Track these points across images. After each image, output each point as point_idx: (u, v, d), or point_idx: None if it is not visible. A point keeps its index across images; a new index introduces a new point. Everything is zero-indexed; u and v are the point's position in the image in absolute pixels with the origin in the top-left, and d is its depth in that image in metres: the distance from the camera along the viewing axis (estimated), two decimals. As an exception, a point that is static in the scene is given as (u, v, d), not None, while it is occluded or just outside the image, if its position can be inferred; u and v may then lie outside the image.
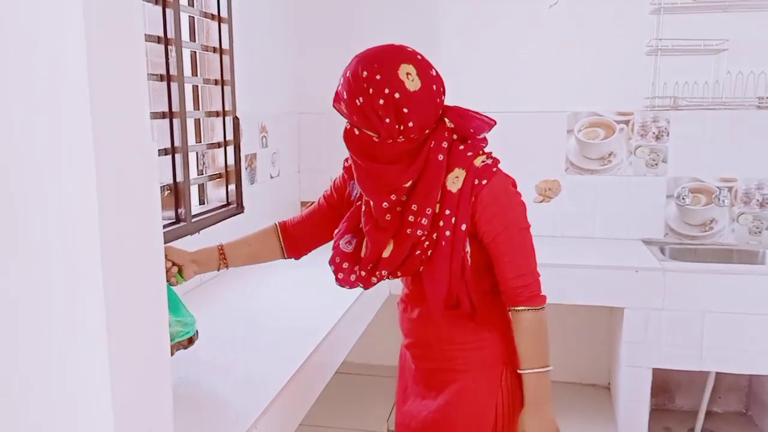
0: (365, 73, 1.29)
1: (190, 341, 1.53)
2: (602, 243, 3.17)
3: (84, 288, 0.86)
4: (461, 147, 1.38)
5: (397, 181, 1.34)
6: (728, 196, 3.09)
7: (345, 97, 1.32)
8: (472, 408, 1.47)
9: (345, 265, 1.45)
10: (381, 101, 1.28)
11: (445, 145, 1.35)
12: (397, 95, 1.28)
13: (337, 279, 1.48)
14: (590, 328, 3.34)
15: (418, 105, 1.30)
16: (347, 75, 1.32)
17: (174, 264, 1.51)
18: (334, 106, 1.37)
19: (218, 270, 1.61)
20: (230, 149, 2.71)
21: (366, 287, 1.47)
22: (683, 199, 3.13)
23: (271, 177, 3.11)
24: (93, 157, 0.83)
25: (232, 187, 2.74)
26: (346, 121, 1.37)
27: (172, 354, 1.43)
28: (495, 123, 1.43)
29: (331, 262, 1.48)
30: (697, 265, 2.80)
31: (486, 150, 1.43)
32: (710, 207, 3.12)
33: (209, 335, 1.74)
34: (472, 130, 1.39)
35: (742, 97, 2.96)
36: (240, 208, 2.76)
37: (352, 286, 1.47)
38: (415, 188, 1.35)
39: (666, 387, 3.24)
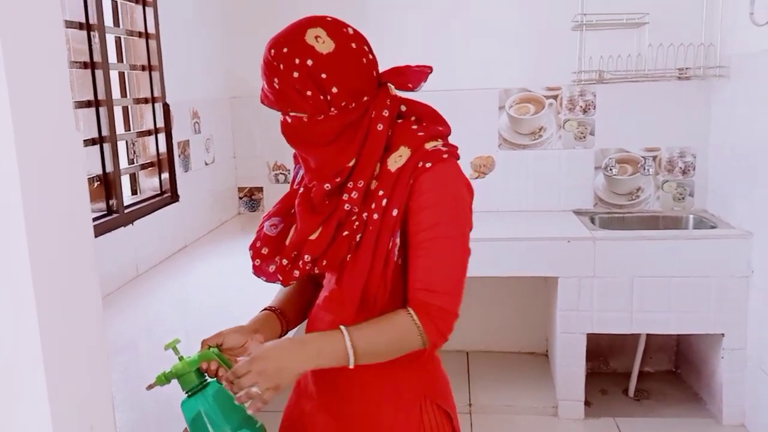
0: (273, 52, 1.15)
1: None
2: (536, 215, 3.26)
3: (14, 287, 0.84)
4: (414, 126, 1.23)
5: (339, 161, 1.18)
6: (653, 165, 3.23)
7: (265, 86, 1.19)
8: None
9: (265, 251, 1.25)
10: (295, 74, 1.13)
11: (386, 113, 1.19)
12: (309, 62, 1.13)
13: (254, 267, 1.27)
14: (527, 298, 3.44)
15: (336, 67, 1.14)
16: (261, 65, 1.18)
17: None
18: (263, 102, 1.22)
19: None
20: (161, 137, 2.66)
21: (285, 283, 1.25)
22: (611, 169, 3.25)
23: (206, 164, 3.06)
24: (15, 152, 0.81)
25: (165, 175, 2.68)
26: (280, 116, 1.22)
27: None
28: (431, 69, 1.23)
29: (251, 246, 1.27)
30: (624, 233, 2.92)
31: (450, 144, 1.24)
32: (636, 176, 3.25)
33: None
34: (410, 85, 1.22)
35: (664, 69, 3.08)
36: (175, 197, 2.71)
37: (269, 278, 1.25)
38: (357, 165, 1.19)
39: (600, 351, 3.38)
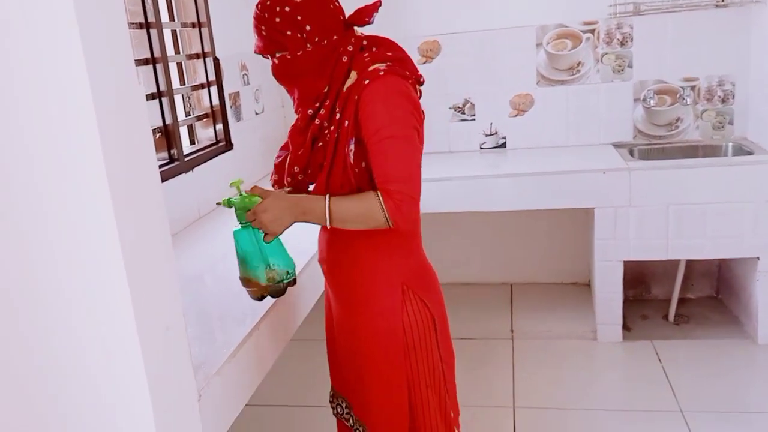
0: (260, 7, 1.47)
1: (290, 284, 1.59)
2: (576, 150, 3.34)
3: (99, 220, 1.05)
4: (365, 54, 1.49)
5: (316, 88, 1.47)
6: (691, 95, 3.25)
7: (256, 38, 1.50)
8: (379, 325, 1.54)
9: (275, 176, 1.60)
10: (277, 19, 1.45)
11: (350, 48, 1.48)
12: (287, 9, 1.44)
13: (274, 184, 1.61)
14: (568, 230, 3.56)
15: (308, 10, 1.45)
16: (252, 20, 1.49)
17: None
18: (256, 52, 1.54)
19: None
20: (214, 90, 2.85)
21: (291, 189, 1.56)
22: (649, 101, 3.29)
23: (256, 114, 3.26)
24: (93, 107, 1.01)
25: (219, 126, 2.90)
26: (269, 60, 1.53)
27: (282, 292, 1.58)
28: (380, 3, 1.52)
29: (271, 178, 1.63)
30: (658, 162, 2.99)
31: (398, 64, 1.48)
32: (675, 107, 3.28)
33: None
34: (366, 19, 1.50)
35: (700, -2, 3.07)
36: (229, 146, 2.92)
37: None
38: (328, 90, 1.48)
39: (642, 279, 3.49)
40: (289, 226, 1.49)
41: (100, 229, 1.05)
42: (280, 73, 1.53)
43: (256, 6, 1.49)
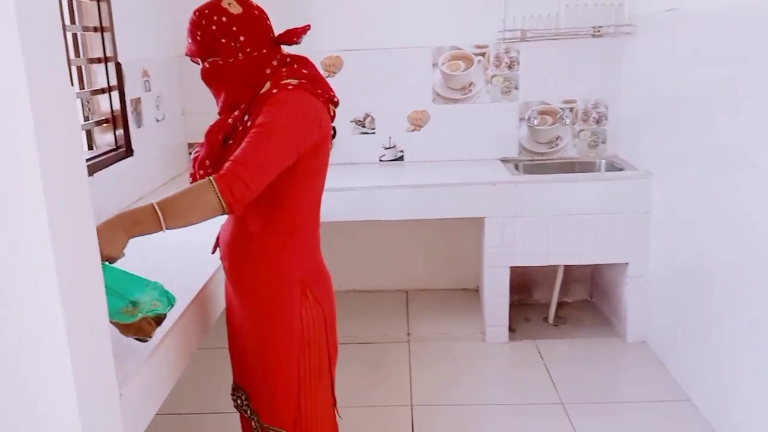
0: (197, 14, 1.57)
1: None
2: (467, 164, 3.57)
3: (32, 222, 1.07)
4: (283, 70, 1.61)
5: (240, 95, 1.58)
6: (570, 116, 3.56)
7: (190, 42, 1.59)
8: (278, 321, 1.64)
9: (191, 170, 1.65)
10: (214, 27, 1.55)
11: (275, 63, 1.61)
12: (224, 19, 1.55)
13: (190, 181, 1.62)
14: (460, 239, 3.78)
15: (243, 23, 1.56)
16: (188, 26, 1.58)
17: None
18: (186, 55, 1.63)
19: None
20: (115, 95, 2.83)
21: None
22: (533, 120, 3.57)
23: (157, 120, 3.24)
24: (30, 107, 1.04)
25: (119, 131, 2.87)
26: (200, 65, 1.63)
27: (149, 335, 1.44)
28: (309, 27, 1.64)
29: (188, 172, 1.69)
30: (541, 177, 3.26)
31: (310, 83, 1.59)
32: (556, 126, 3.58)
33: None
34: (295, 39, 1.62)
35: (579, 28, 3.39)
36: (129, 152, 2.90)
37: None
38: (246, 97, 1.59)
39: (525, 285, 3.76)
40: (125, 242, 1.41)
41: (34, 230, 1.08)
42: (209, 77, 1.62)
43: (194, 12, 1.59)
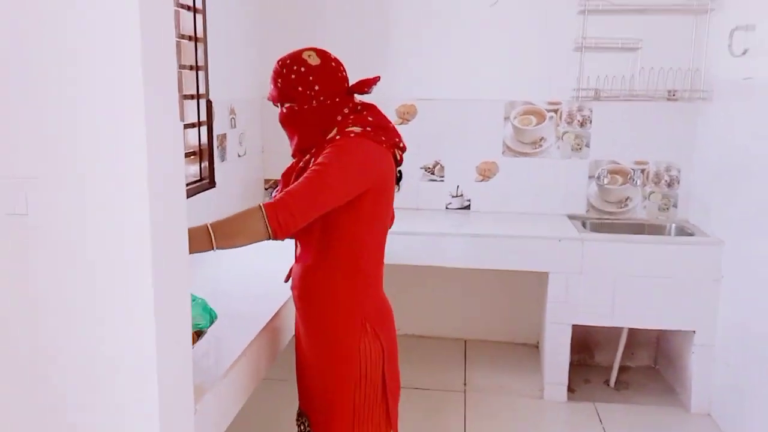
0: (280, 63, 1.72)
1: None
2: (534, 217, 3.58)
3: (136, 240, 1.17)
4: (351, 116, 1.72)
5: (313, 139, 1.71)
6: (641, 177, 3.55)
7: (271, 87, 1.74)
8: (338, 351, 1.72)
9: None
10: (293, 76, 1.69)
11: (346, 111, 1.72)
12: (303, 69, 1.69)
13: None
14: (522, 293, 3.77)
15: (319, 74, 1.69)
16: (271, 74, 1.74)
17: None
18: (268, 99, 1.78)
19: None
20: (203, 129, 3.00)
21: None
22: (603, 179, 3.57)
23: (239, 156, 3.40)
24: (144, 136, 1.15)
25: (205, 164, 3.03)
26: (279, 108, 1.75)
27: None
28: (379, 78, 1.76)
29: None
30: (609, 236, 3.25)
31: (374, 130, 1.69)
32: (626, 187, 3.57)
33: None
34: (366, 89, 1.74)
35: (654, 90, 3.41)
36: (212, 183, 3.05)
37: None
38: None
39: (587, 345, 3.70)
40: None
41: (137, 248, 1.18)
42: (285, 121, 1.76)
43: (277, 62, 1.73)
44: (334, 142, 1.66)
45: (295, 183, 1.60)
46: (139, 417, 1.23)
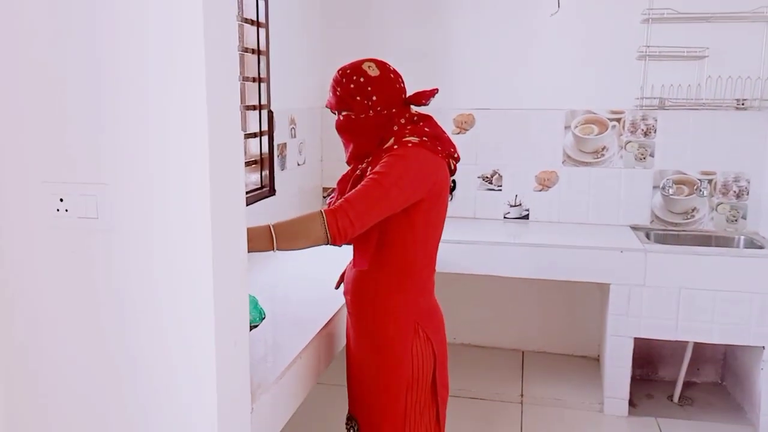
0: (340, 72, 1.77)
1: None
2: (594, 228, 3.52)
3: (198, 244, 1.23)
4: (408, 126, 1.76)
5: (368, 147, 1.75)
6: (708, 188, 3.44)
7: (330, 96, 1.79)
8: (390, 354, 1.75)
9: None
10: (352, 86, 1.74)
11: (402, 121, 1.76)
12: (362, 79, 1.73)
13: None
14: (582, 304, 3.70)
15: (377, 85, 1.74)
16: (331, 82, 1.79)
17: None
18: (327, 107, 1.83)
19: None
20: (264, 139, 3.08)
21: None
22: (668, 189, 3.48)
23: (298, 164, 3.48)
24: (207, 146, 1.20)
25: (265, 172, 3.11)
26: (336, 115, 1.80)
27: None
28: (437, 91, 1.78)
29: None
30: (673, 247, 3.16)
31: (431, 140, 1.72)
32: (692, 197, 3.47)
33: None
34: (423, 101, 1.77)
35: (721, 99, 3.30)
36: (272, 191, 3.13)
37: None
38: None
39: (650, 359, 3.60)
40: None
41: (198, 253, 1.23)
42: (342, 129, 1.82)
43: (338, 71, 1.78)
44: (392, 151, 1.69)
45: (354, 191, 1.64)
46: (198, 413, 1.28)
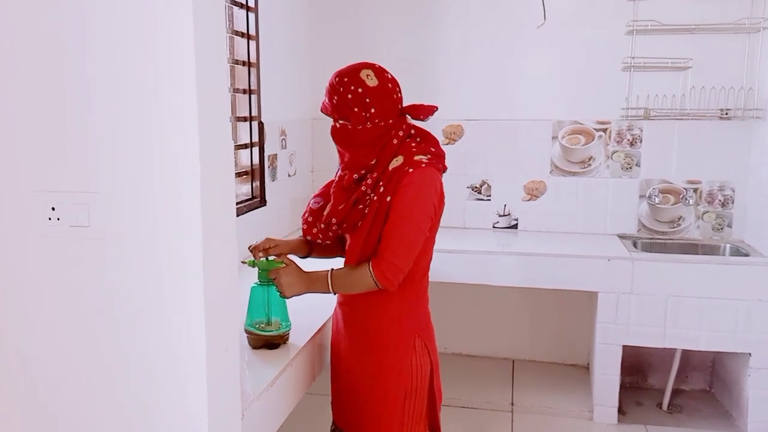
0: (337, 79, 1.73)
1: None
2: (582, 237, 3.56)
3: (190, 251, 1.24)
4: (413, 144, 1.76)
5: (366, 160, 1.73)
6: (694, 197, 3.49)
7: (326, 101, 1.77)
8: (390, 365, 1.78)
9: (310, 219, 1.84)
10: (349, 96, 1.71)
11: (400, 133, 1.74)
12: (360, 90, 1.70)
13: (303, 230, 1.85)
14: (571, 313, 3.73)
15: (376, 96, 1.71)
16: (327, 86, 1.76)
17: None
18: (321, 111, 1.81)
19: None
20: (255, 150, 3.10)
21: (322, 241, 1.82)
22: (654, 198, 3.52)
23: (289, 175, 3.50)
24: (198, 156, 1.22)
25: (256, 183, 3.13)
26: (332, 121, 1.79)
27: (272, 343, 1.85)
28: (437, 108, 1.80)
29: (303, 216, 1.88)
30: (660, 255, 3.19)
31: (435, 158, 1.75)
32: (678, 206, 3.51)
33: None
34: (422, 116, 1.78)
35: (705, 109, 3.36)
36: (263, 202, 3.15)
37: (313, 237, 1.83)
38: (375, 164, 1.74)
39: (639, 367, 3.62)
40: (299, 293, 1.77)
41: (188, 261, 1.25)
42: (338, 137, 1.79)
43: (335, 75, 1.75)
44: (407, 176, 1.69)
45: (390, 236, 1.68)
46: (189, 419, 1.29)
